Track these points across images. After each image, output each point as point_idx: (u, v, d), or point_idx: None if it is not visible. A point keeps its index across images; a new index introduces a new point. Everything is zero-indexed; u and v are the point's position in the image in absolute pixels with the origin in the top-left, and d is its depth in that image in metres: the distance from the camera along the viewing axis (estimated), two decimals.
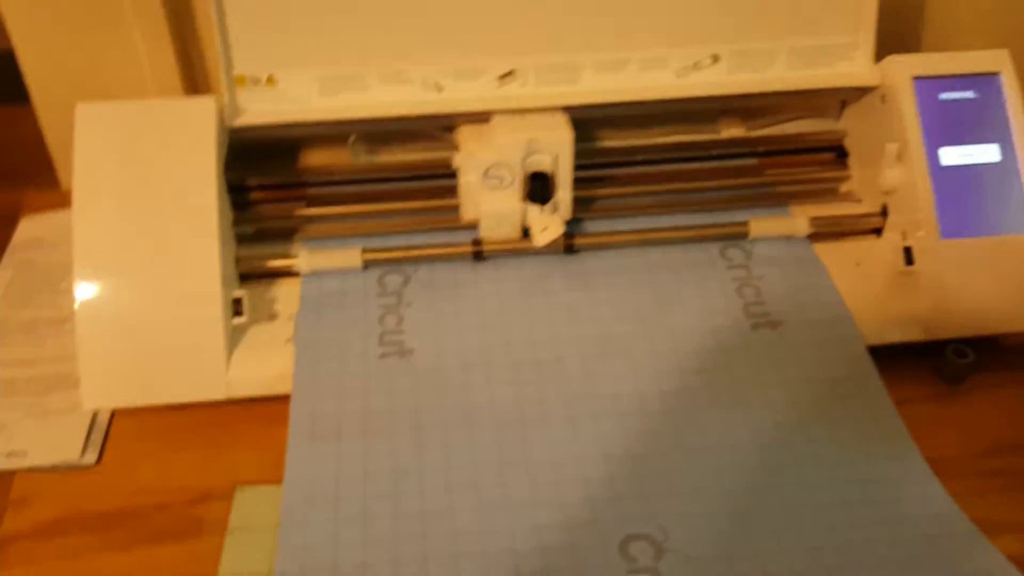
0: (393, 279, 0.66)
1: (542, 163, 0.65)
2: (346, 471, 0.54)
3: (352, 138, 0.70)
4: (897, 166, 0.66)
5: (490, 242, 0.67)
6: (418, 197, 0.70)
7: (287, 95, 0.65)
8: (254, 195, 0.70)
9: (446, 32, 0.65)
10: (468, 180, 0.66)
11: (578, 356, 0.61)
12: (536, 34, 0.65)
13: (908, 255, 0.65)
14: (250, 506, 0.56)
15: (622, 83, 0.67)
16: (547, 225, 0.65)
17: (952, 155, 0.65)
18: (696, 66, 0.68)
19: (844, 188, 0.73)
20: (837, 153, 0.74)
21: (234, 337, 0.61)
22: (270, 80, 0.65)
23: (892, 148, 0.65)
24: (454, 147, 0.69)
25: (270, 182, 0.70)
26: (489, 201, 0.65)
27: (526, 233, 0.67)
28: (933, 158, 0.65)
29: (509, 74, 0.66)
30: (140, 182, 0.60)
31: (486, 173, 0.64)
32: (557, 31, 0.66)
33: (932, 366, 0.65)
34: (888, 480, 0.54)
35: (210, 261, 0.59)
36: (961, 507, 0.54)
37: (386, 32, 0.64)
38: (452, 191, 0.69)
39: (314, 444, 0.56)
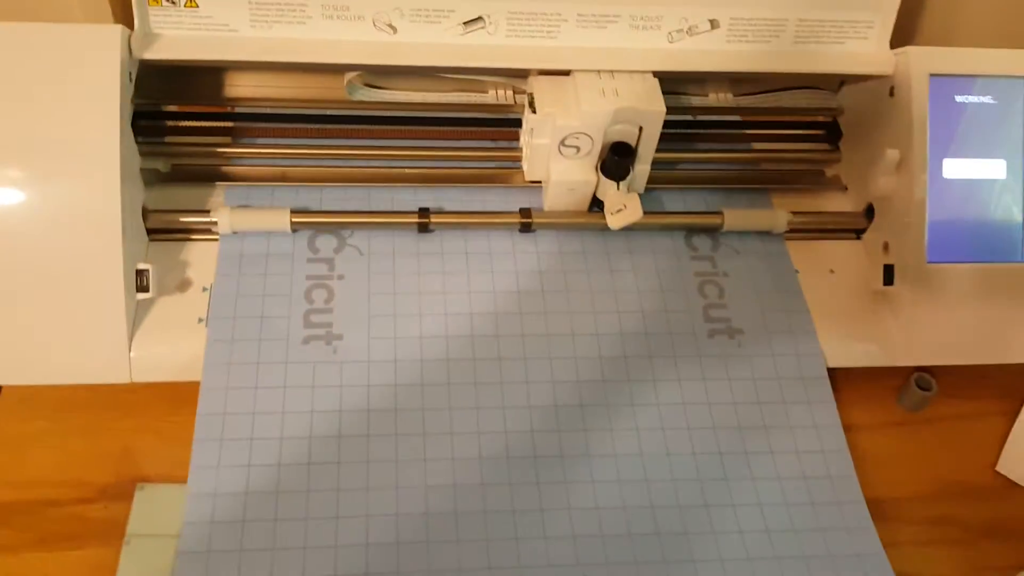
0: (326, 240, 0.59)
1: (626, 134, 0.57)
2: (256, 487, 0.50)
3: (350, 75, 0.61)
4: (894, 175, 0.59)
5: (552, 212, 0.60)
6: (379, 142, 0.62)
7: (211, 22, 0.55)
8: (170, 123, 0.61)
9: None
10: (541, 143, 0.58)
11: (520, 357, 0.56)
12: None
13: (888, 275, 0.60)
14: (151, 509, 0.51)
15: (606, 41, 0.58)
16: (623, 206, 0.58)
17: (957, 168, 0.59)
18: (691, 31, 0.59)
19: (831, 171, 0.67)
20: (828, 130, 0.67)
21: (138, 313, 0.54)
22: (190, 3, 0.54)
23: (892, 155, 0.58)
24: (479, 88, 0.62)
25: (190, 110, 0.61)
26: (561, 171, 0.58)
27: (594, 205, 0.60)
28: (935, 170, 0.58)
29: (476, 20, 0.57)
30: (28, 120, 0.50)
31: (563, 142, 0.57)
32: None
33: (892, 388, 0.62)
34: (831, 534, 0.52)
35: (110, 226, 0.51)
36: (901, 558, 0.52)
37: None
38: (434, 136, 0.62)
39: (223, 454, 0.50)
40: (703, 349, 0.58)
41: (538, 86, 0.58)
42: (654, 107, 0.56)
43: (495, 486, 0.52)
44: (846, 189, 0.66)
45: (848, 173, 0.66)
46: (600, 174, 0.59)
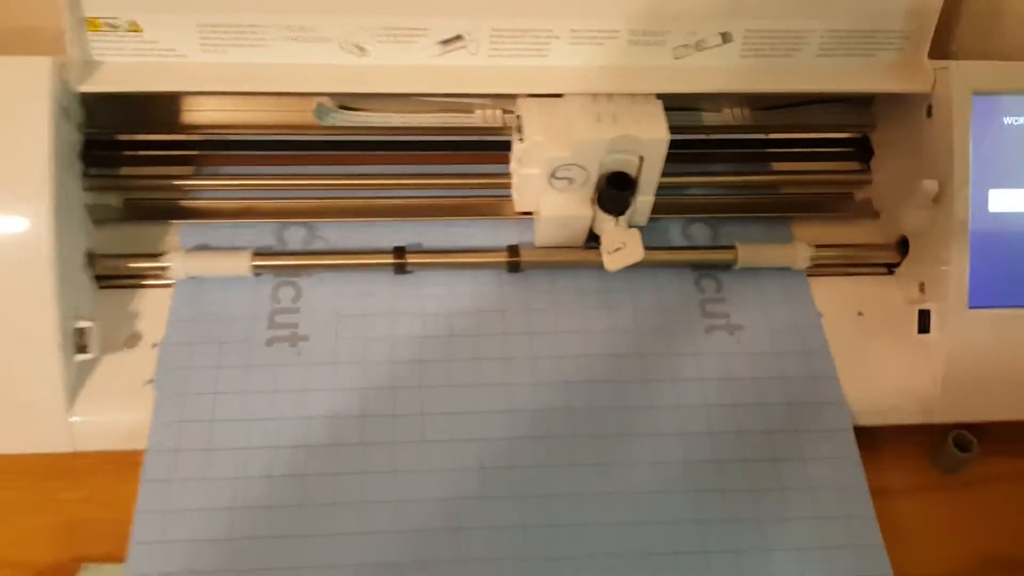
0: (295, 232, 0.55)
1: (625, 163, 0.51)
2: (212, 503, 0.46)
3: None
4: (931, 208, 0.52)
5: (542, 247, 0.54)
6: (354, 169, 0.57)
7: (157, 48, 0.49)
8: (127, 152, 0.55)
9: None
10: (530, 173, 0.52)
11: (500, 357, 0.51)
12: None
13: (924, 321, 0.53)
14: None
15: (603, 60, 0.52)
16: (621, 244, 0.51)
17: (1004, 199, 0.52)
18: (700, 45, 0.52)
19: (861, 194, 0.60)
20: (858, 147, 0.60)
21: (80, 375, 0.48)
22: (133, 26, 0.48)
23: (930, 187, 0.51)
24: (464, 108, 0.56)
25: (148, 138, 0.56)
26: (551, 205, 0.52)
27: (591, 239, 0.54)
28: (979, 202, 0.51)
29: (455, 39, 0.50)
30: None
31: (553, 173, 0.51)
32: None
33: (925, 446, 0.55)
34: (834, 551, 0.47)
35: (41, 281, 0.46)
36: None
37: None
38: (415, 161, 0.57)
39: (179, 465, 0.46)
40: (700, 347, 0.53)
41: (526, 109, 0.51)
42: (656, 135, 0.50)
43: (470, 500, 0.47)
44: (878, 215, 0.59)
45: (880, 197, 0.59)
46: (597, 207, 0.52)
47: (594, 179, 0.52)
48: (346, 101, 0.56)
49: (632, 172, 0.52)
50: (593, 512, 0.47)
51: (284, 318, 0.52)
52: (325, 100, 0.55)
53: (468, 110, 0.57)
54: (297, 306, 0.52)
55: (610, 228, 0.52)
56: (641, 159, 0.51)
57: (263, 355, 0.50)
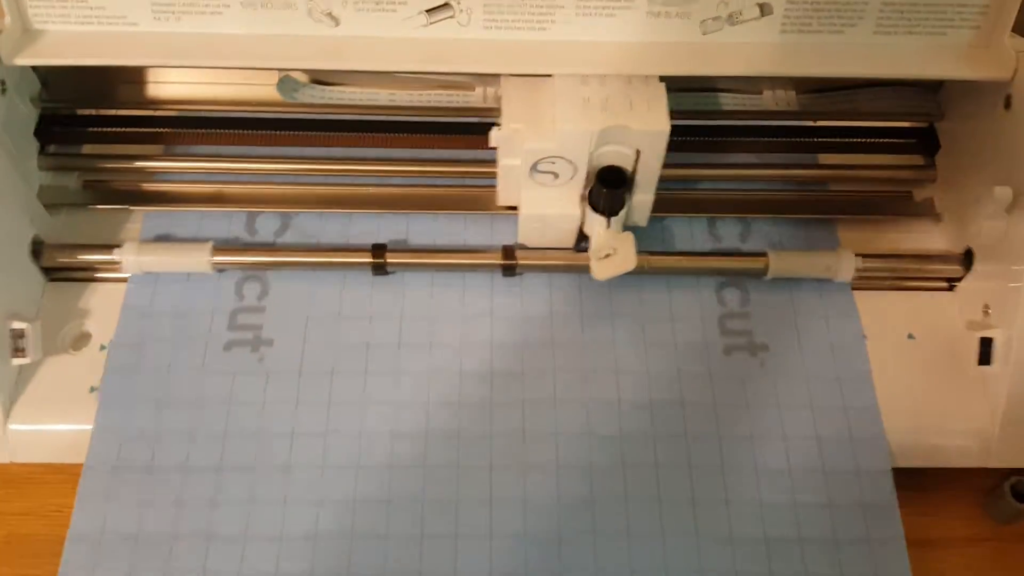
0: (268, 221, 0.49)
1: (620, 156, 0.44)
2: (150, 527, 0.42)
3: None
4: (1003, 218, 0.44)
5: (525, 249, 0.48)
6: (335, 151, 0.51)
7: (104, 14, 0.43)
8: (93, 129, 0.50)
9: None
10: (511, 164, 0.45)
11: (487, 373, 0.45)
12: None
13: (985, 350, 0.45)
14: None
15: (616, 34, 0.44)
16: (612, 250, 0.45)
17: None
18: (733, 18, 0.44)
19: (922, 193, 0.52)
20: (922, 139, 0.52)
21: (20, 379, 0.44)
22: None
23: (1003, 194, 0.43)
24: (464, 86, 0.50)
25: (110, 115, 0.50)
26: (534, 202, 0.46)
27: (582, 239, 0.48)
28: None
29: (442, 7, 0.43)
30: None
31: (535, 166, 0.44)
32: None
33: (979, 493, 0.47)
34: None
35: None
36: None
37: None
38: (403, 144, 0.51)
39: (113, 485, 0.42)
40: (716, 368, 0.46)
41: (508, 90, 0.44)
42: (654, 126, 0.42)
43: (436, 539, 0.42)
44: (940, 219, 0.51)
45: (944, 198, 0.51)
46: (587, 205, 0.46)
47: (583, 174, 0.44)
48: (324, 75, 0.49)
49: (628, 166, 0.44)
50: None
51: (247, 318, 0.47)
52: (296, 73, 0.49)
53: (468, 87, 0.50)
54: (263, 304, 0.47)
55: (600, 231, 0.45)
56: (638, 153, 0.43)
57: (220, 362, 0.45)
